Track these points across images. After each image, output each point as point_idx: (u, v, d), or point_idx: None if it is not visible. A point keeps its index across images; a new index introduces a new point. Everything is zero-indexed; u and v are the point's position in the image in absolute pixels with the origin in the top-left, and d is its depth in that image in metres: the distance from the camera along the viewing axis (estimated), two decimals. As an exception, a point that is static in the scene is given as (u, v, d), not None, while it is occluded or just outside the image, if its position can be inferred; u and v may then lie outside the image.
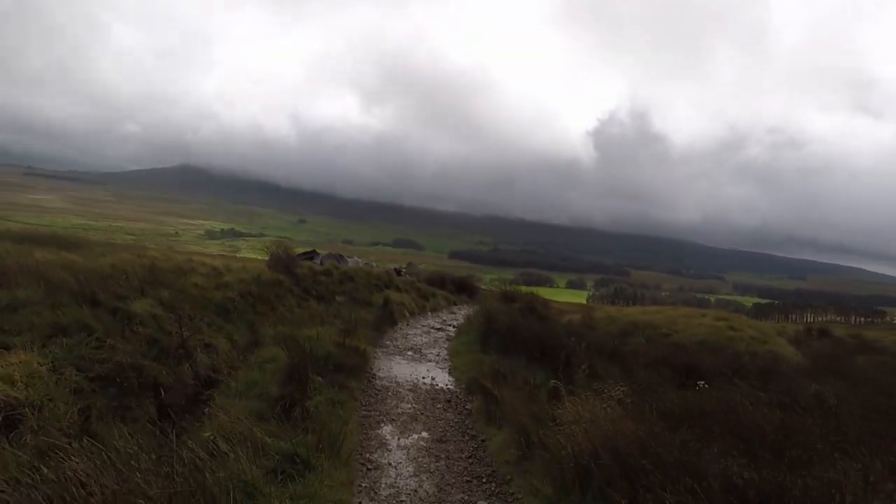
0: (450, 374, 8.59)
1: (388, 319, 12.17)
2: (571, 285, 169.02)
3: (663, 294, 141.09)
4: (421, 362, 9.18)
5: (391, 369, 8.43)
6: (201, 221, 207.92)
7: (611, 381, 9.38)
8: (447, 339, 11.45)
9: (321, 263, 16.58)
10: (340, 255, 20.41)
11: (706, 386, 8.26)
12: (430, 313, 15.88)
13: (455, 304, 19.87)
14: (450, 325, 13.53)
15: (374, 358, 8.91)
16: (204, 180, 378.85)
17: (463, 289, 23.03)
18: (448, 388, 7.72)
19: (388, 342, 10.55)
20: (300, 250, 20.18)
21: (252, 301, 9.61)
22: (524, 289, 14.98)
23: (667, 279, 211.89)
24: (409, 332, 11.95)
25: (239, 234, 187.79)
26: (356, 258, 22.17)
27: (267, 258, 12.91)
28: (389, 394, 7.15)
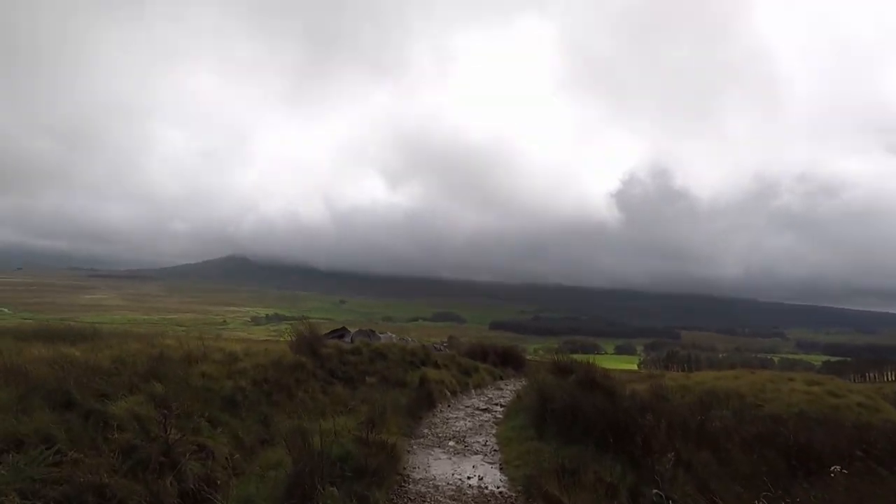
0: (501, 470, 6.93)
1: (425, 401, 10.63)
2: (620, 351, 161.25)
3: (720, 356, 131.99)
4: (465, 455, 7.56)
5: (429, 467, 6.86)
6: (247, 308, 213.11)
7: (704, 470, 7.48)
8: (494, 423, 9.77)
9: (351, 341, 15.32)
10: (372, 331, 19.10)
11: (841, 472, 6.29)
12: (473, 390, 14.18)
13: (501, 378, 18.08)
14: (497, 405, 11.81)
15: (408, 452, 7.37)
16: (248, 269, 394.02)
17: (508, 360, 21.14)
18: (501, 492, 6.08)
19: (425, 430, 8.98)
20: (328, 328, 19.07)
21: (267, 389, 8.37)
22: (579, 357, 13.27)
23: (721, 339, 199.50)
24: (451, 416, 10.33)
25: (283, 318, 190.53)
26: (389, 334, 20.73)
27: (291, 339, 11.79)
28: (426, 504, 5.59)
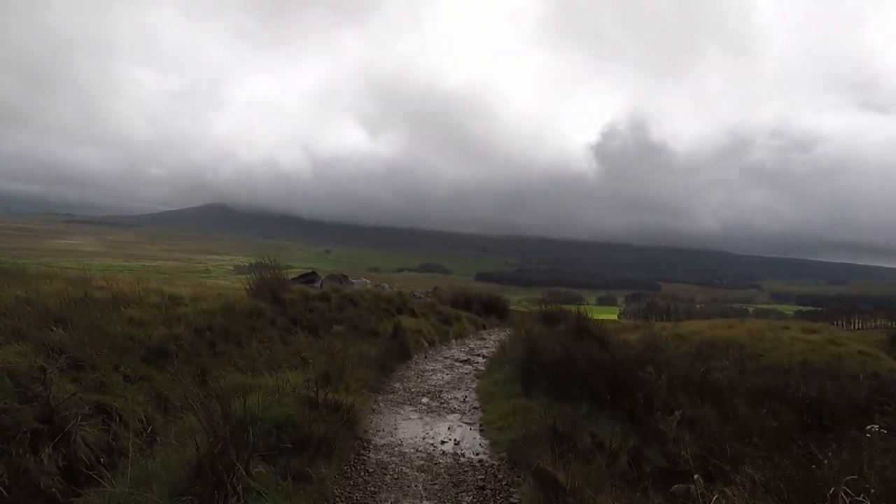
0: (481, 432, 5.91)
1: (398, 353, 9.56)
2: (601, 301, 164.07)
3: (698, 306, 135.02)
4: (440, 414, 6.52)
5: (396, 429, 5.80)
6: (230, 257, 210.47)
7: (710, 428, 6.58)
8: (476, 376, 8.77)
9: (320, 287, 14.08)
10: (344, 276, 17.83)
11: (880, 431, 5.29)
12: (453, 341, 13.20)
13: (484, 327, 17.00)
14: (479, 355, 10.83)
15: (373, 412, 6.30)
16: (230, 217, 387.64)
17: (492, 310, 19.85)
18: (480, 461, 5.05)
19: (396, 384, 7.93)
20: (295, 273, 17.80)
21: (211, 338, 7.15)
22: (570, 307, 12.31)
23: (699, 291, 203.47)
24: (427, 368, 9.30)
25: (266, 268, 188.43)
26: (364, 280, 19.34)
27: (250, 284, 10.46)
28: (388, 478, 4.52)
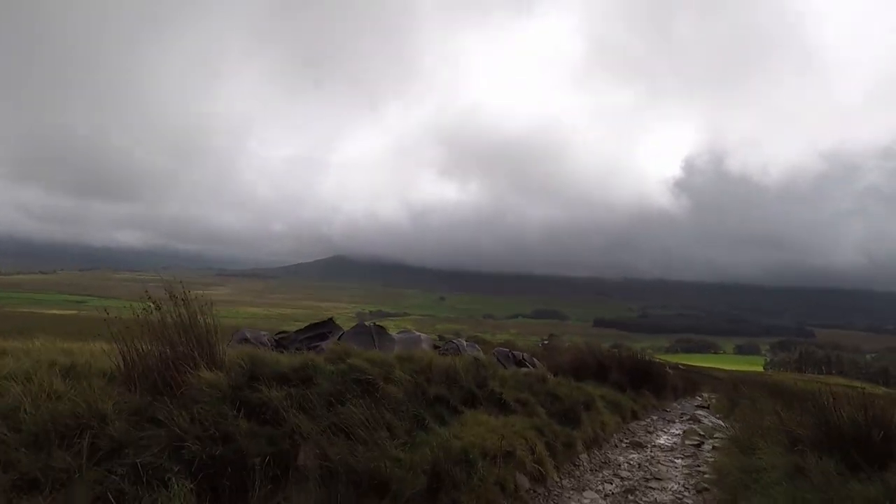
0: None
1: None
2: (741, 350, 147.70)
3: (867, 357, 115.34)
4: None
5: None
6: (353, 305, 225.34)
7: None
8: None
9: (331, 344, 8.00)
10: (381, 328, 10.03)
11: None
12: (584, 459, 6.78)
13: (635, 415, 10.54)
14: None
15: None
16: (348, 267, 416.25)
17: (642, 380, 12.89)
18: None
19: None
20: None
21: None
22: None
23: (864, 338, 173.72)
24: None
25: (386, 315, 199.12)
26: (418, 333, 10.90)
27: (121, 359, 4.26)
28: None
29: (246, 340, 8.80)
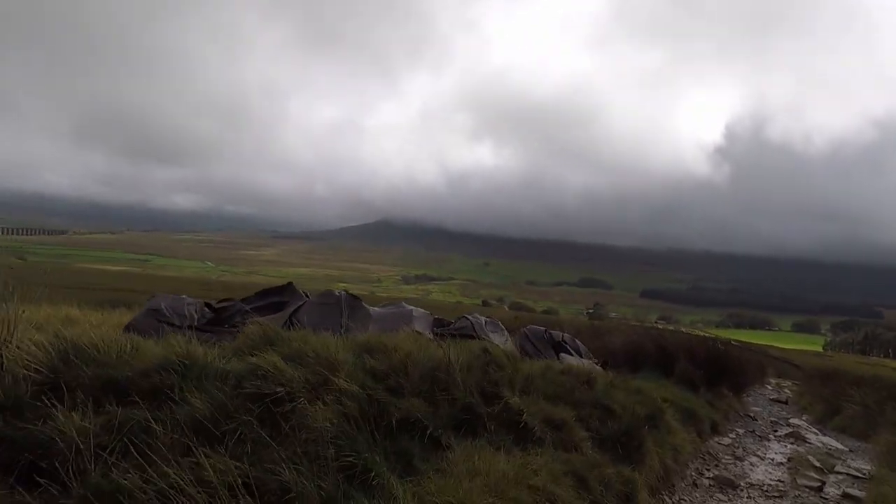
0: None
1: None
2: (798, 328, 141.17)
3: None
4: None
5: None
6: (399, 269, 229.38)
7: None
8: None
9: (291, 320, 6.39)
10: (355, 299, 7.18)
11: None
12: None
13: (714, 427, 8.37)
14: None
15: None
16: (393, 231, 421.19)
17: (719, 375, 10.13)
18: None
19: None
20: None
21: None
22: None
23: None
24: None
25: (431, 279, 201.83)
26: (412, 308, 7.85)
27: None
28: None
29: (156, 312, 6.13)
